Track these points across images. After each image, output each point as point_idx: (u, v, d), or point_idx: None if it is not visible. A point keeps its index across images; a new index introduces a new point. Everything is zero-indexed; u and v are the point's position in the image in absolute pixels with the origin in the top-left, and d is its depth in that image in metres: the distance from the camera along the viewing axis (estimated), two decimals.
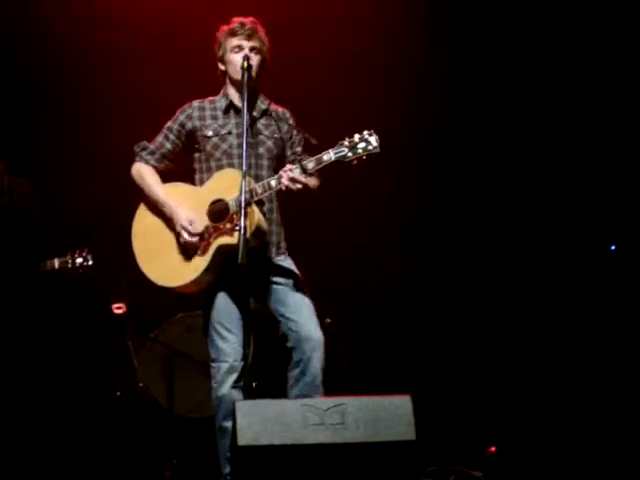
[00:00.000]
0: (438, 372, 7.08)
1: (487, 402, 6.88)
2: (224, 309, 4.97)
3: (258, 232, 4.88)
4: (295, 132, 5.17)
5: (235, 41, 5.06)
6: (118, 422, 6.57)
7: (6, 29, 7.06)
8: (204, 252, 4.94)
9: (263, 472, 4.20)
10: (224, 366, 4.93)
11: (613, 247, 7.33)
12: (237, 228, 4.67)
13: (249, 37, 5.05)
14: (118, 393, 6.69)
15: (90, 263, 6.06)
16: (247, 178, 4.81)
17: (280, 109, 5.21)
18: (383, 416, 4.30)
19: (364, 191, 7.16)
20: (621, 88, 7.20)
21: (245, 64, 4.96)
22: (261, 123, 5.12)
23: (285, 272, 5.05)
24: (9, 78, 7.06)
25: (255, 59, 5.02)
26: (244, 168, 4.76)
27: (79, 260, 6.04)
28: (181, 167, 5.20)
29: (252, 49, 5.04)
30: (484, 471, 5.46)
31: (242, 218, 4.66)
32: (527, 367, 7.00)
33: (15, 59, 7.12)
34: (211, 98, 5.18)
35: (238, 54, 5.04)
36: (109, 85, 7.15)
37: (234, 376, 4.92)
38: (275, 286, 5.03)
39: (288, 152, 5.14)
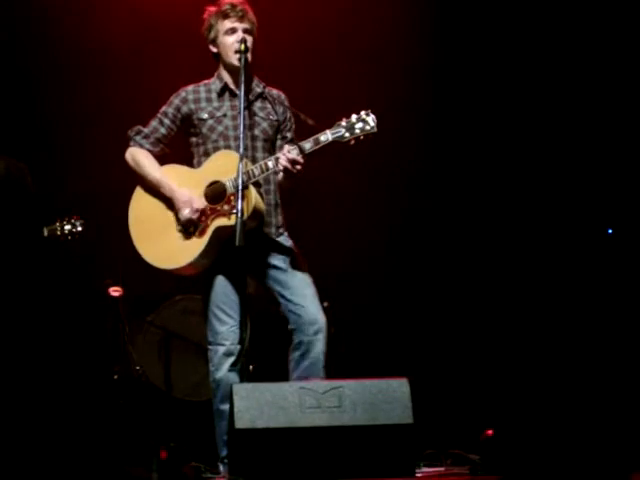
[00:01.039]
0: (435, 355, 7.08)
1: (484, 385, 6.88)
2: (222, 292, 4.97)
3: (255, 213, 4.88)
4: (289, 115, 5.15)
5: (228, 23, 5.05)
6: (115, 405, 6.56)
7: (11, 14, 7.06)
8: (201, 234, 4.94)
9: (260, 455, 4.21)
10: (221, 349, 4.94)
11: (610, 231, 7.31)
12: (234, 211, 4.66)
13: (242, 19, 5.04)
14: (115, 376, 6.68)
15: (79, 229, 6.02)
16: (244, 160, 4.80)
17: (275, 91, 5.19)
18: (380, 399, 4.31)
19: (360, 172, 7.15)
20: (615, 74, 7.18)
21: (243, 47, 4.94)
22: (257, 106, 5.11)
23: (286, 253, 5.04)
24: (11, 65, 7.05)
25: (249, 41, 5.00)
26: (241, 151, 4.73)
27: (67, 227, 6.00)
28: (180, 153, 5.18)
29: (245, 31, 5.02)
30: (481, 454, 5.46)
31: (239, 200, 4.65)
32: (524, 351, 7.00)
33: (17, 49, 7.11)
34: (205, 82, 5.17)
35: (232, 36, 5.03)
36: (108, 71, 7.16)
37: (231, 359, 4.93)
38: (276, 267, 5.02)
39: (278, 136, 5.12)
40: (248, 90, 5.05)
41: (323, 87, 7.03)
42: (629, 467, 4.99)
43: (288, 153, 4.80)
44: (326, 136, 4.78)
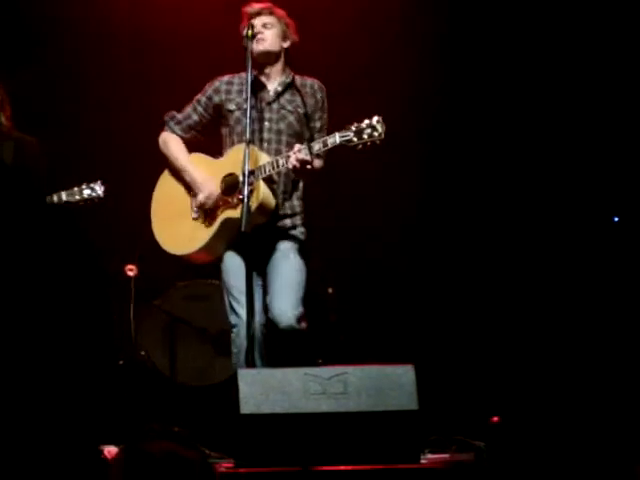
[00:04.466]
0: (440, 341, 7.07)
1: (490, 372, 6.88)
2: (239, 277, 4.95)
3: (262, 209, 4.93)
4: (321, 105, 5.20)
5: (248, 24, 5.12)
6: (119, 390, 6.57)
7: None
8: (211, 223, 5.02)
9: (265, 440, 4.22)
10: (244, 331, 4.93)
11: (616, 219, 7.30)
12: (240, 197, 4.70)
13: (258, 14, 5.13)
14: (120, 361, 6.69)
15: (100, 194, 5.64)
16: (259, 154, 4.92)
17: (310, 80, 5.25)
18: (385, 385, 4.31)
19: (373, 161, 7.11)
20: (612, 66, 7.16)
21: (249, 33, 5.01)
22: (285, 98, 5.16)
23: (288, 239, 5.09)
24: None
25: (268, 32, 5.09)
26: (247, 136, 4.80)
27: (87, 192, 5.64)
28: (212, 140, 5.28)
29: (264, 25, 5.10)
30: (486, 441, 5.46)
31: (245, 187, 4.72)
32: (530, 337, 6.99)
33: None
34: (243, 74, 5.18)
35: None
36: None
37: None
38: (274, 253, 5.07)
39: (305, 127, 5.16)
40: (275, 81, 5.16)
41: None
42: (633, 458, 4.99)
43: (298, 152, 4.86)
44: (334, 139, 4.82)
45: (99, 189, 5.64)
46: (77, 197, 5.64)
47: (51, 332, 6.58)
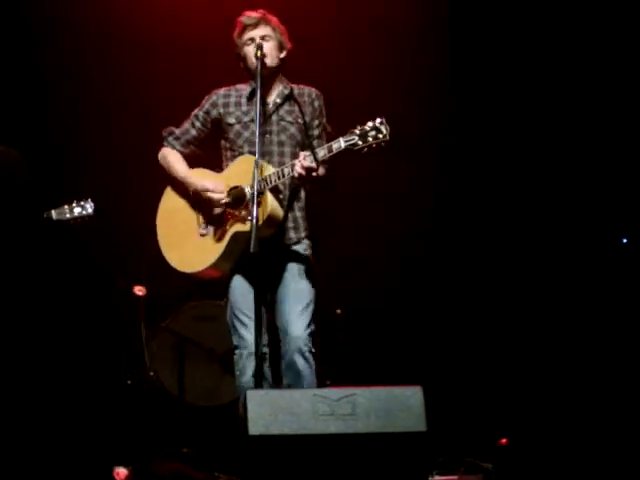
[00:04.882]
0: (449, 363, 7.06)
1: (498, 393, 6.86)
2: (245, 297, 4.95)
3: (271, 220, 4.90)
4: (318, 113, 5.16)
5: (245, 35, 5.10)
6: (128, 410, 6.57)
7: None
8: (220, 239, 4.98)
9: (273, 461, 4.20)
10: (245, 353, 4.92)
11: (625, 240, 7.29)
12: (250, 217, 4.69)
13: (256, 26, 5.09)
14: (129, 381, 6.69)
15: (90, 212, 5.56)
16: (265, 165, 4.88)
17: (307, 89, 5.21)
18: (394, 407, 4.30)
19: (379, 177, 7.13)
20: (628, 76, 7.16)
21: (259, 53, 4.99)
22: (284, 109, 5.13)
23: (295, 259, 5.05)
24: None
25: (267, 46, 5.05)
26: (257, 156, 4.77)
27: (77, 210, 5.56)
28: (211, 155, 5.25)
29: (262, 37, 5.07)
30: (494, 463, 5.46)
31: (254, 206, 4.68)
32: (539, 359, 6.98)
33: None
34: (239, 85, 5.21)
35: (250, 46, 5.08)
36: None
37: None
38: (283, 274, 5.03)
39: (306, 136, 5.12)
40: (274, 94, 5.13)
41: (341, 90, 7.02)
42: None
43: (303, 160, 4.83)
44: (339, 144, 4.80)
45: (89, 207, 5.59)
46: (67, 215, 5.58)
47: (59, 352, 6.60)
